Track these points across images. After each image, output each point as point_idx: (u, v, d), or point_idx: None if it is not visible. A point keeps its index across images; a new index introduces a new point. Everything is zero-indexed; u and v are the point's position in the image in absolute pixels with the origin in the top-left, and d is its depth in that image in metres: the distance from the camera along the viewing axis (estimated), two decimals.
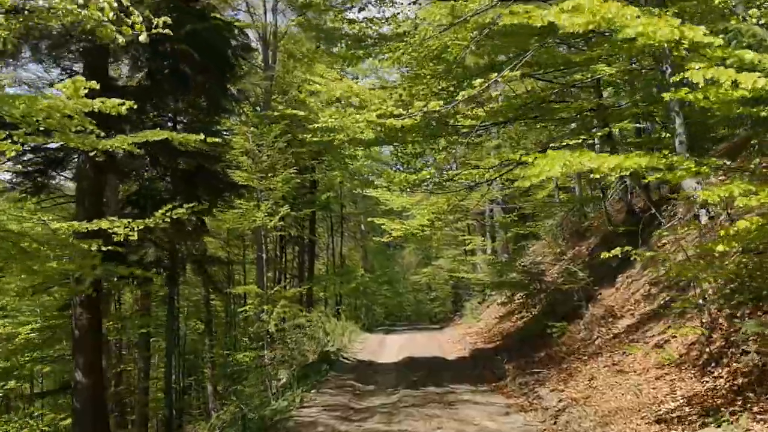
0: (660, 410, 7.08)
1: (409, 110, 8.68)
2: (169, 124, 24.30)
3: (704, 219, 11.66)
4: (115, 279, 15.79)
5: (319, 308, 28.60)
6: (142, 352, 25.01)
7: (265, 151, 22.35)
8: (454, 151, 19.58)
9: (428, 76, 11.33)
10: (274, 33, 25.44)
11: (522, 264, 17.85)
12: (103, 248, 8.09)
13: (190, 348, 34.54)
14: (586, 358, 10.59)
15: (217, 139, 9.16)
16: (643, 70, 13.79)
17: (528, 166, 5.54)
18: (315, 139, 18.31)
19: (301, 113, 23.60)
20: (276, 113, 24.05)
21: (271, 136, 22.40)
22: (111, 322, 21.30)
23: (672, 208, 14.08)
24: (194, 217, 13.67)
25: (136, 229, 8.19)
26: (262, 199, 22.30)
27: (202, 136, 7.96)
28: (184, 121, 24.88)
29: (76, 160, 11.53)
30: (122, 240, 8.40)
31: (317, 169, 27.50)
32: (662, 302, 10.66)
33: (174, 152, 12.45)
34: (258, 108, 25.54)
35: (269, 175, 22.59)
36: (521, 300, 17.08)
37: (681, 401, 7.20)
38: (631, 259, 13.76)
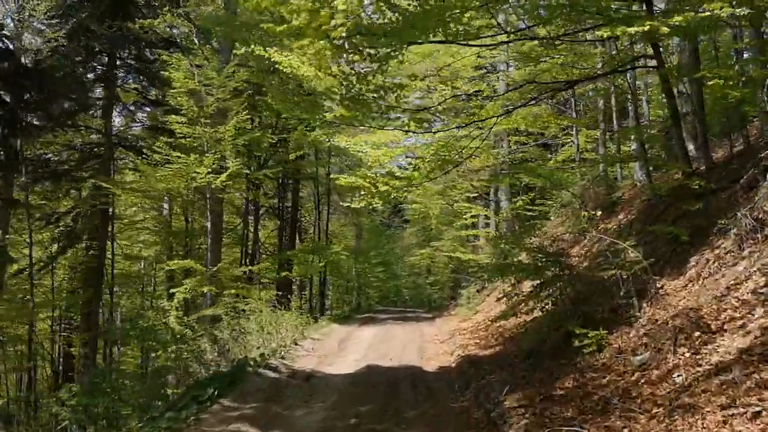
0: None
1: None
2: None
3: None
4: None
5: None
6: (82, 335, 20.07)
7: (215, 93, 16.98)
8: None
9: None
10: None
11: (532, 242, 12.51)
12: None
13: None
14: (660, 410, 5.28)
15: None
16: None
17: None
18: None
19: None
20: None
21: (224, 74, 17.05)
22: None
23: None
24: None
25: None
26: (208, 153, 17.00)
27: None
28: (125, 57, 19.72)
29: None
30: None
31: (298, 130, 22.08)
32: None
33: None
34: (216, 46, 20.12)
35: (218, 124, 17.27)
36: (531, 290, 11.73)
37: None
38: (715, 230, 8.51)
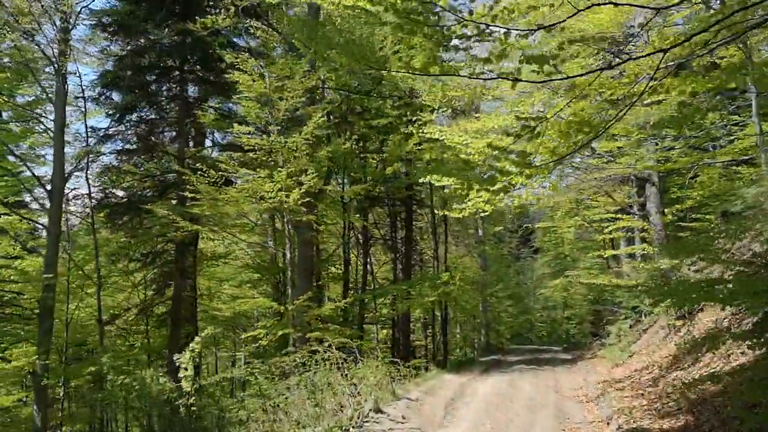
0: None
1: None
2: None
3: None
4: None
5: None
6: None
7: (288, 97, 13.76)
8: None
9: None
10: None
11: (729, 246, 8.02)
12: None
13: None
14: None
15: None
16: None
17: None
18: None
19: None
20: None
21: (298, 74, 13.82)
22: None
23: None
24: None
25: None
26: (282, 167, 13.68)
27: None
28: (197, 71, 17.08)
29: None
30: None
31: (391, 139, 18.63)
32: None
33: None
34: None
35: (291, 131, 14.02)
36: (729, 322, 7.23)
37: None
38: None
